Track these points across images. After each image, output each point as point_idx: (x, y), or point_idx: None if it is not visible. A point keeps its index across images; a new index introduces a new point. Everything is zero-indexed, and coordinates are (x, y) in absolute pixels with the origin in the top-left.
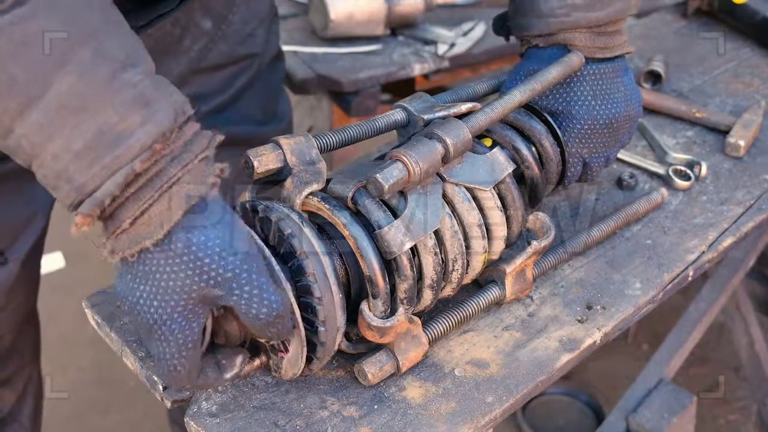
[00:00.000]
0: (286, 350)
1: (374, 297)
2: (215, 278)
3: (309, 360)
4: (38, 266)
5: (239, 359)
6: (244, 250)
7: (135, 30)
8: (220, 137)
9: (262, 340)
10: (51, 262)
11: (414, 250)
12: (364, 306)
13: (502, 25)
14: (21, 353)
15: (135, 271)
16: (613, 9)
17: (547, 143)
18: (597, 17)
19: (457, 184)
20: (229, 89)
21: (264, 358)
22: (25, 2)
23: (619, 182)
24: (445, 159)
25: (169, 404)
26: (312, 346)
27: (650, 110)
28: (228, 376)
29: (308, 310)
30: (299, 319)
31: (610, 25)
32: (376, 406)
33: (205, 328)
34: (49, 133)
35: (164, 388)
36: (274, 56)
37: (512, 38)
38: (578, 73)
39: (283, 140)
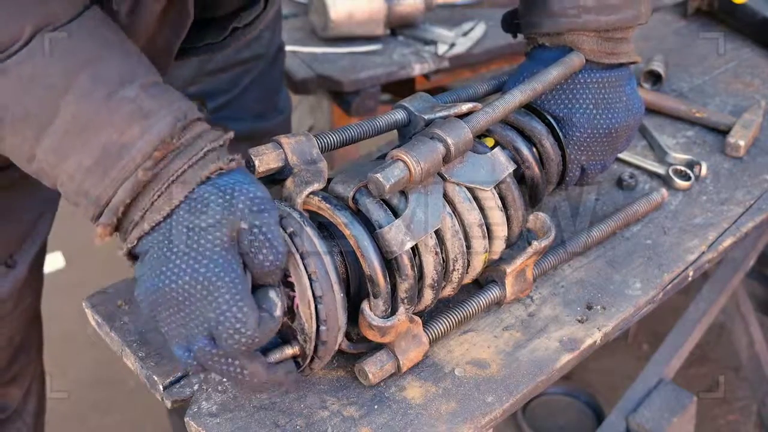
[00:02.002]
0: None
1: (375, 296)
2: (242, 210)
3: (310, 359)
4: (42, 266)
5: (272, 293)
6: (266, 195)
7: (181, 52)
8: (230, 134)
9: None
10: (51, 262)
11: (415, 250)
12: (364, 305)
13: (510, 22)
14: (27, 351)
15: (157, 244)
16: (623, 15)
17: (548, 143)
18: (607, 22)
19: (458, 184)
20: (235, 88)
21: (297, 348)
22: (27, 43)
23: (619, 182)
24: (446, 159)
25: (169, 404)
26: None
27: (650, 110)
28: (278, 312)
29: None
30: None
31: (618, 32)
32: (376, 406)
33: (246, 270)
34: (62, 155)
35: (164, 388)
36: (276, 51)
37: (514, 39)
38: (582, 81)
39: (284, 139)
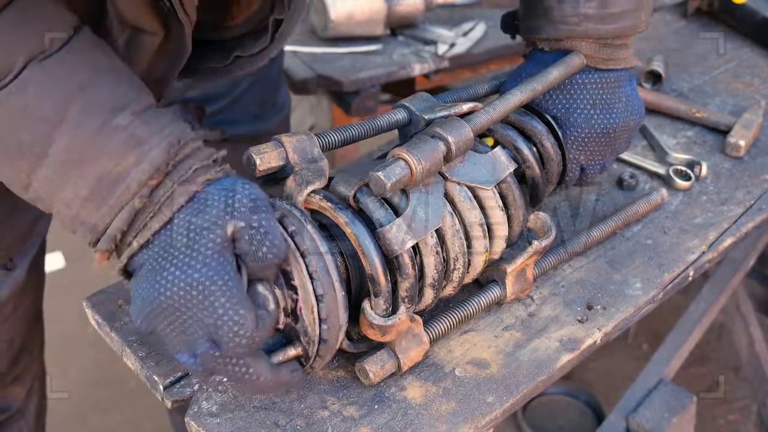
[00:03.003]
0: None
1: (376, 295)
2: (240, 209)
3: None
4: (42, 266)
5: (261, 288)
6: (263, 194)
7: (185, 71)
8: (222, 153)
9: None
10: (51, 262)
11: (415, 249)
12: (365, 304)
13: (510, 23)
14: (30, 351)
15: (150, 258)
16: (623, 24)
17: (548, 143)
18: (607, 30)
19: (458, 183)
20: (233, 92)
21: (300, 349)
22: (18, 74)
23: (620, 182)
24: (447, 158)
25: (169, 404)
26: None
27: (650, 110)
28: (272, 305)
29: None
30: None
31: (618, 39)
32: (376, 406)
33: (240, 270)
34: (58, 185)
35: (165, 388)
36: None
37: (513, 40)
38: (580, 81)
39: (285, 138)
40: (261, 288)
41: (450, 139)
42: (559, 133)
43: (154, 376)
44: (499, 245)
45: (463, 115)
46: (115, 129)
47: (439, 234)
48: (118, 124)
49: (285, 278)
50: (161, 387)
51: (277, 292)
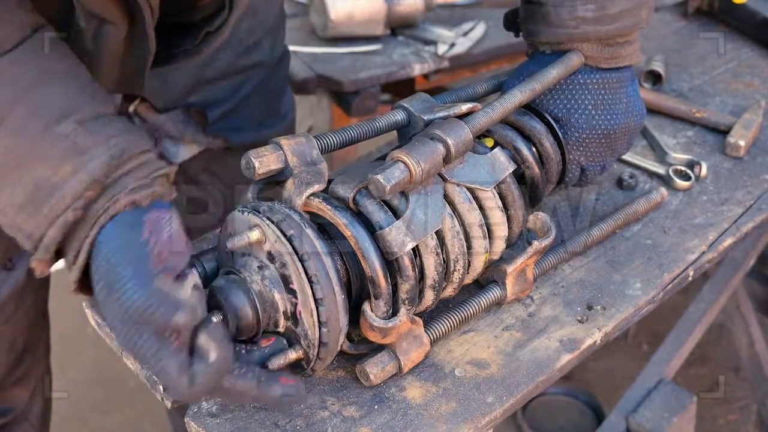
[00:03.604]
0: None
1: (376, 298)
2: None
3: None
4: None
5: (202, 338)
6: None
7: (164, 58)
8: (171, 168)
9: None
10: None
11: (415, 251)
12: (366, 307)
13: (512, 21)
14: (33, 352)
15: (101, 285)
16: (622, 24)
17: (547, 143)
18: (606, 31)
19: (458, 184)
20: (235, 97)
21: (300, 352)
22: None
23: (619, 182)
24: (447, 159)
25: (169, 404)
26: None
27: (650, 110)
28: (212, 357)
29: None
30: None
31: (619, 38)
32: (376, 406)
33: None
34: None
35: (165, 388)
36: (279, 57)
37: (516, 37)
38: (582, 82)
39: (284, 141)
40: (202, 339)
41: (449, 140)
42: (560, 133)
43: (154, 377)
44: (499, 246)
45: (462, 116)
46: (58, 136)
47: (439, 235)
48: (61, 131)
49: (284, 282)
50: (161, 387)
51: (277, 295)
